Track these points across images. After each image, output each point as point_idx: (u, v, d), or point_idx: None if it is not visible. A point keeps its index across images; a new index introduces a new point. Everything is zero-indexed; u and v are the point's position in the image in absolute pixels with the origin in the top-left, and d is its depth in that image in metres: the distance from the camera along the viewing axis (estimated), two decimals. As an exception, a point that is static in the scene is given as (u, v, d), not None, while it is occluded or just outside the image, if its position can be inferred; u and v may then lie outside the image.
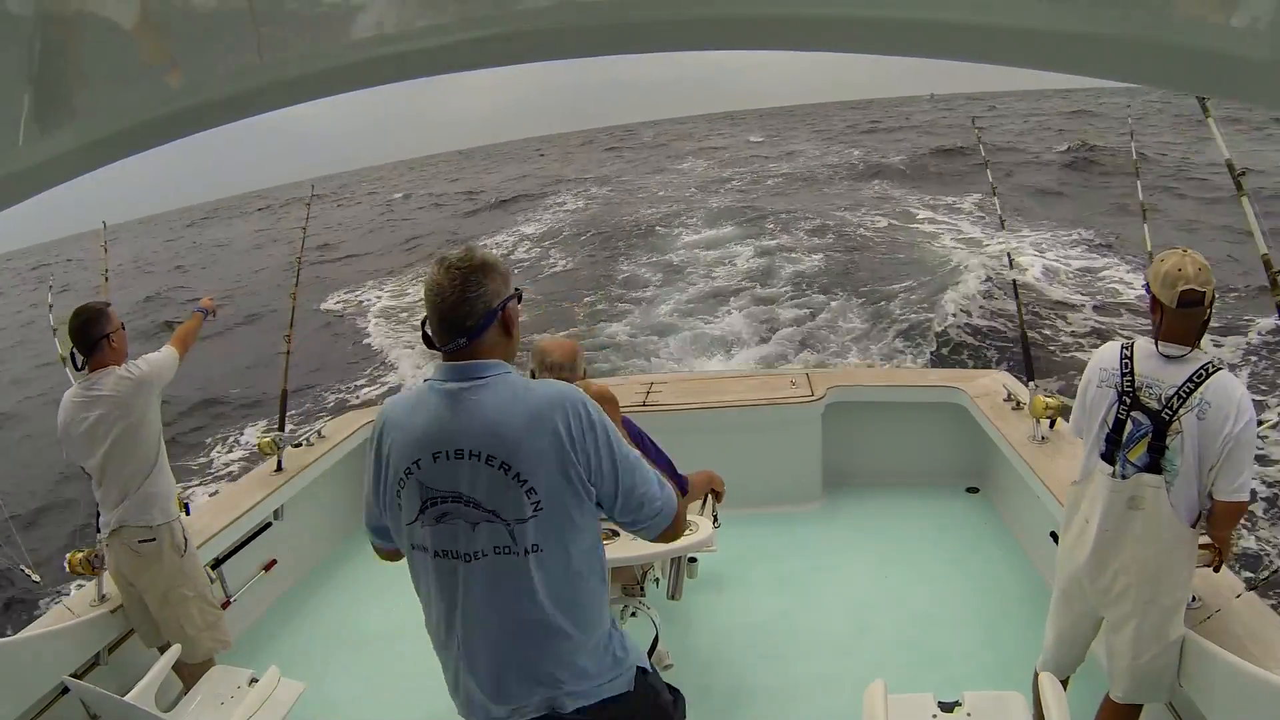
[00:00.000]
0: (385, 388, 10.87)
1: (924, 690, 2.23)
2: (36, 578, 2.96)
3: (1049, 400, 3.48)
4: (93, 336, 2.77)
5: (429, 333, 1.52)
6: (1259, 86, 0.51)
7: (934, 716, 2.17)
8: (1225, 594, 2.39)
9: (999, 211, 4.35)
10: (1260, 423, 2.17)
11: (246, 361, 12.92)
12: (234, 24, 0.70)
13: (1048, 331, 10.23)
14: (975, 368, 8.21)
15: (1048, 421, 3.52)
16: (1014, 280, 4.21)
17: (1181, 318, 2.09)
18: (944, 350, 9.90)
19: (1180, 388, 2.07)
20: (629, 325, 12.53)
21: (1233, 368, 6.80)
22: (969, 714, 2.15)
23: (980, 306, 11.68)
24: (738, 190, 25.63)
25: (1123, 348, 2.23)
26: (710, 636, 3.32)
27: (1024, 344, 3.95)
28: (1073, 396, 2.44)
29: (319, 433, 4.45)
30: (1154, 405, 2.12)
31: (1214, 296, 2.09)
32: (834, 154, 32.47)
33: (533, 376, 2.38)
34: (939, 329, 10.36)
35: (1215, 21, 0.52)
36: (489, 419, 1.44)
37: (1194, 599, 2.36)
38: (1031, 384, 3.74)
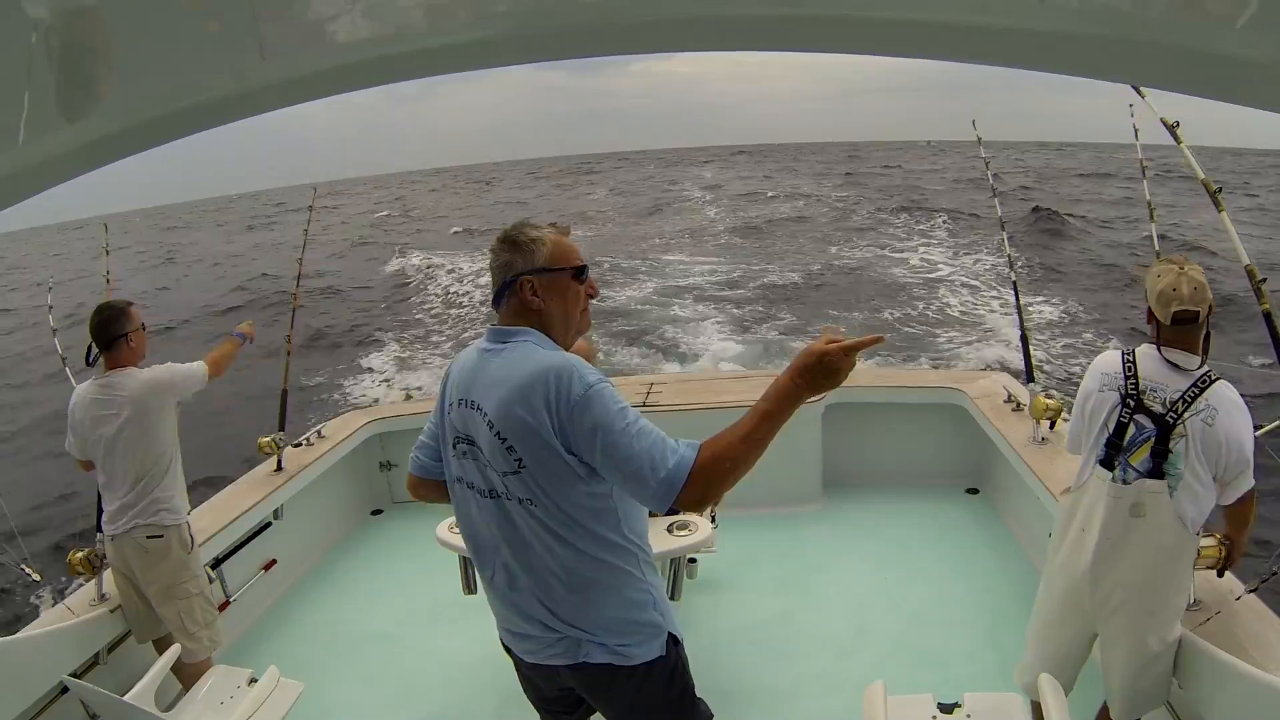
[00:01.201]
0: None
1: (924, 691, 2.23)
2: (36, 577, 2.96)
3: (1049, 401, 3.48)
4: (112, 334, 2.78)
5: None
6: (1259, 87, 0.51)
7: (934, 718, 2.16)
8: (1225, 596, 2.39)
9: (1001, 217, 4.34)
10: (1258, 427, 2.18)
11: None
12: (234, 24, 0.70)
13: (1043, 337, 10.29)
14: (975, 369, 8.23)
15: (1048, 423, 3.51)
16: (1014, 281, 4.20)
17: (1176, 333, 2.12)
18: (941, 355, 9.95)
19: (1185, 392, 2.08)
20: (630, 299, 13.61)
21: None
22: (969, 715, 2.15)
23: (978, 310, 11.71)
24: (731, 214, 26.69)
25: (1124, 354, 2.22)
26: (710, 637, 3.32)
27: (1024, 345, 3.95)
28: (1071, 397, 2.43)
29: (319, 432, 4.45)
30: (1158, 409, 2.11)
31: (1211, 308, 2.10)
32: (826, 191, 33.83)
33: None
34: (940, 334, 10.39)
35: (1214, 22, 0.52)
36: (491, 380, 1.55)
37: (1195, 601, 2.35)
38: (1031, 385, 3.73)
